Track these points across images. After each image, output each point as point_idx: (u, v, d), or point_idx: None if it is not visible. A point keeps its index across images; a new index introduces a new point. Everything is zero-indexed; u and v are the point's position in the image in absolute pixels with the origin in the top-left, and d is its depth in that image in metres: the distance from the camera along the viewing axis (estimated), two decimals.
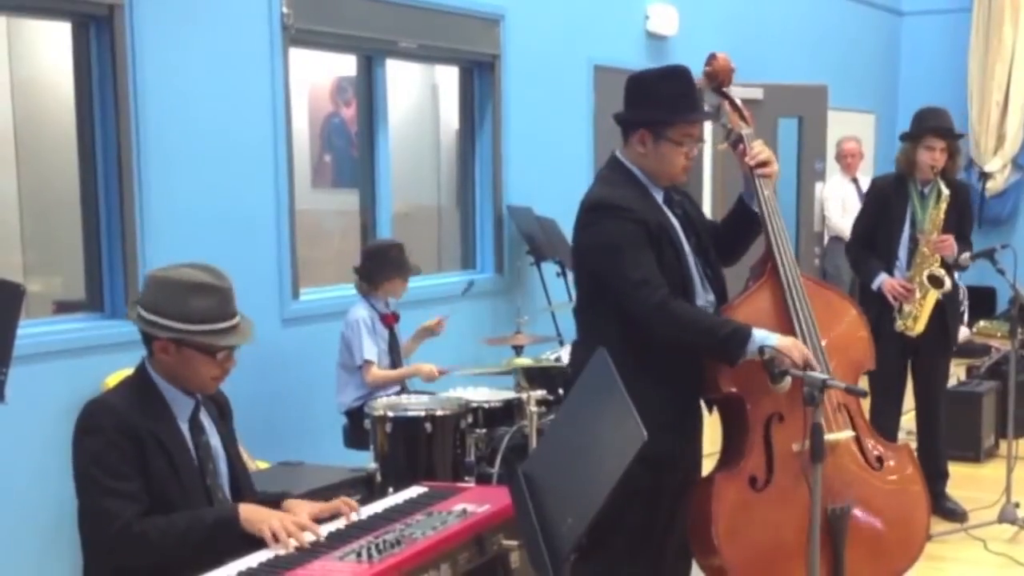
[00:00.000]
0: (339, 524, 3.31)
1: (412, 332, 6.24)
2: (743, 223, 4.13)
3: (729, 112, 4.16)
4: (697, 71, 4.17)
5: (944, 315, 6.09)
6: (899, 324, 6.02)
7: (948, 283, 5.95)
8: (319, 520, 3.30)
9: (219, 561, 3.00)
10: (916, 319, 5.99)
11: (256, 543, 3.13)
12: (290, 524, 3.16)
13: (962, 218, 6.12)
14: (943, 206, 5.92)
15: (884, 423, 6.11)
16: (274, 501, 3.41)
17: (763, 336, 3.73)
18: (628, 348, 3.67)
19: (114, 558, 3.13)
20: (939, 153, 5.95)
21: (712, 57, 4.17)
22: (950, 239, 5.95)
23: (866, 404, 5.92)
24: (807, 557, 3.74)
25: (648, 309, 3.73)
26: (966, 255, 6.00)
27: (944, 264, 5.96)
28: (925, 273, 5.93)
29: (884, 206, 6.15)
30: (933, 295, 5.95)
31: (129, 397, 3.26)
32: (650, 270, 3.76)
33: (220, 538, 3.14)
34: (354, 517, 3.35)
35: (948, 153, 5.99)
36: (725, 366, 3.83)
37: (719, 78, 4.17)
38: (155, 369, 3.31)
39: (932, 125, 6.00)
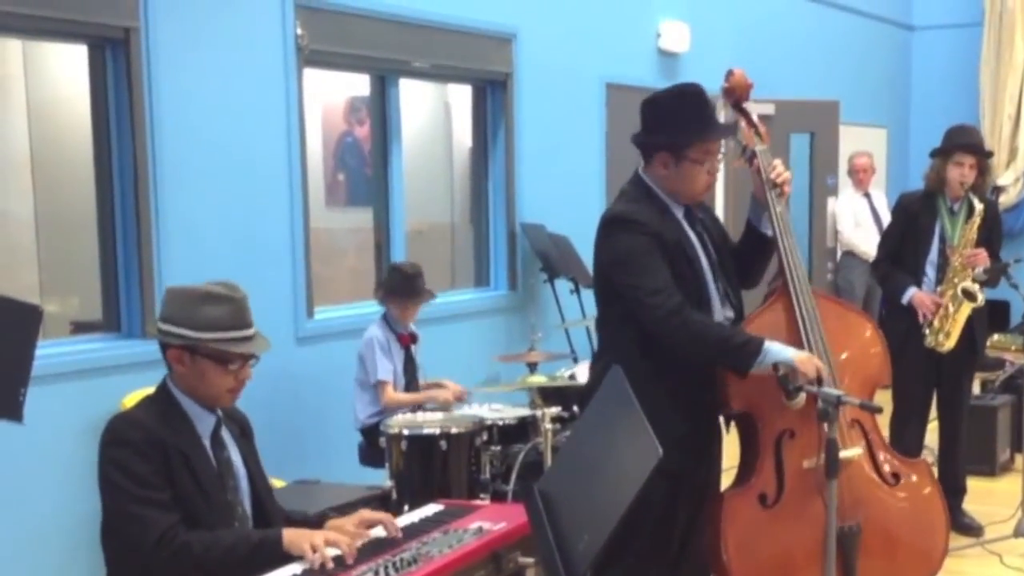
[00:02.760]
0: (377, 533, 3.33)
1: (432, 367, 6.25)
2: (755, 246, 4.16)
3: (744, 128, 4.18)
4: (709, 88, 4.20)
5: (972, 329, 6.07)
6: (929, 340, 6.00)
7: (981, 297, 5.95)
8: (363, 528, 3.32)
9: None
10: (948, 335, 5.97)
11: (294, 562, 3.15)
12: (333, 536, 3.18)
13: (992, 235, 6.11)
14: (977, 221, 5.91)
15: (908, 439, 6.11)
16: (316, 522, 3.43)
17: (778, 349, 3.75)
18: (646, 363, 3.70)
19: (151, 566, 3.14)
20: (968, 169, 5.95)
21: (730, 73, 4.20)
22: (983, 252, 5.95)
23: (887, 419, 5.98)
24: (820, 573, 3.74)
25: (662, 315, 3.75)
26: (979, 269, 5.99)
27: (974, 279, 5.96)
28: (960, 287, 5.91)
29: (912, 223, 6.14)
30: (966, 309, 5.92)
31: (153, 413, 3.29)
32: (664, 280, 3.79)
33: (262, 558, 3.15)
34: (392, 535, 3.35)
35: (978, 170, 5.99)
36: (735, 384, 3.85)
37: (736, 94, 4.19)
38: (176, 385, 3.34)
39: (962, 142, 6.01)
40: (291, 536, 3.20)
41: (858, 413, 3.99)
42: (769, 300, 4.06)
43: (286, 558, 3.16)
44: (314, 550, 3.12)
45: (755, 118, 4.20)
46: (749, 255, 4.17)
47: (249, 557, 3.16)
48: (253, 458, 3.52)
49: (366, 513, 3.44)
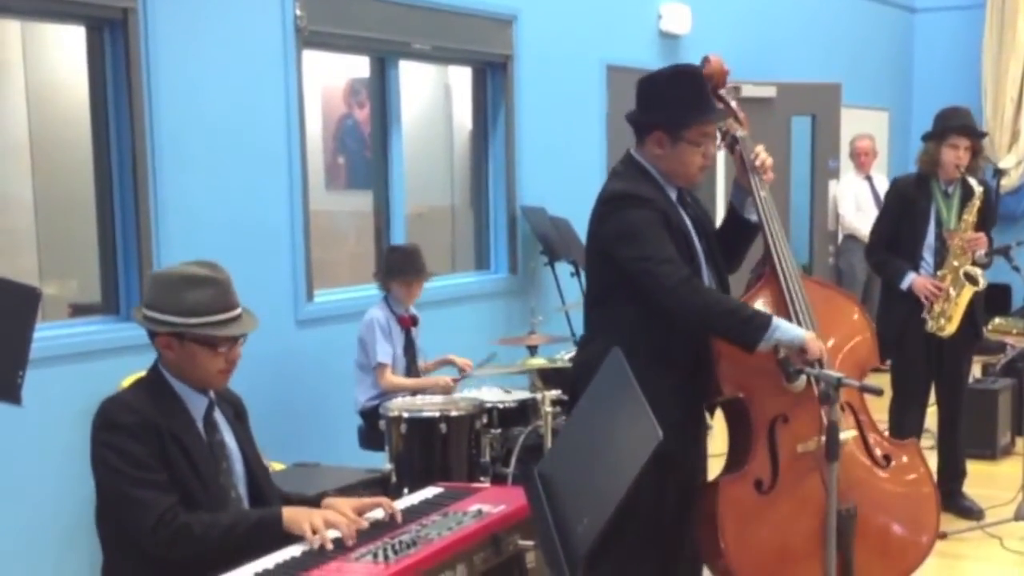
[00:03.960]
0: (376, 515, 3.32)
1: (432, 350, 6.25)
2: (736, 232, 4.15)
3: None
4: None
5: (973, 312, 6.05)
6: (931, 325, 5.97)
7: (983, 280, 5.92)
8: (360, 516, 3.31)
9: (238, 562, 3.01)
10: (950, 319, 5.94)
11: (294, 544, 3.14)
12: (333, 517, 3.18)
13: (985, 217, 6.08)
14: (977, 204, 5.89)
15: (908, 422, 6.10)
16: (313, 501, 3.43)
17: (788, 326, 3.75)
18: (641, 345, 3.68)
19: (150, 548, 3.13)
20: (963, 152, 5.92)
21: (706, 60, 4.18)
22: (983, 236, 5.94)
23: (886, 403, 5.97)
24: (817, 557, 3.74)
25: (672, 284, 3.72)
26: (981, 252, 5.98)
27: (974, 262, 5.94)
28: (961, 271, 5.89)
29: (907, 207, 6.09)
30: (968, 293, 5.89)
31: (144, 396, 3.28)
32: (673, 252, 3.78)
33: (261, 537, 3.15)
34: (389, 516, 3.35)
35: (971, 152, 5.97)
36: (728, 369, 3.84)
37: (714, 80, 4.17)
38: (167, 368, 3.33)
39: (956, 124, 5.97)
40: (290, 515, 3.20)
41: (849, 395, 3.99)
42: (757, 285, 4.05)
43: (286, 537, 3.16)
44: (314, 531, 3.12)
45: (733, 104, 4.19)
46: (731, 240, 4.17)
47: (248, 536, 3.15)
48: (248, 440, 3.51)
49: (366, 500, 3.43)
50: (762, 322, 3.73)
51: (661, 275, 3.74)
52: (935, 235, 6.04)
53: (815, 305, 4.00)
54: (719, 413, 4.20)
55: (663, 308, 3.78)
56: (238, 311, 3.34)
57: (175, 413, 3.28)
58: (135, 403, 3.24)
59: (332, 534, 3.13)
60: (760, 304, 3.98)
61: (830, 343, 3.99)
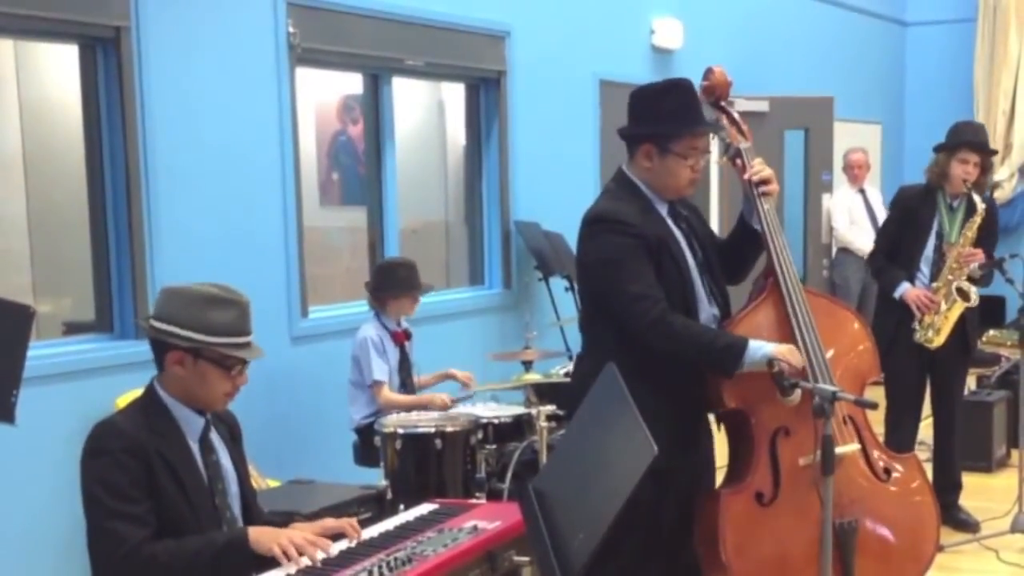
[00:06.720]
0: (348, 543, 3.31)
1: (427, 366, 6.24)
2: (746, 241, 4.13)
3: (727, 126, 4.17)
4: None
5: (964, 326, 6.06)
6: (919, 336, 5.98)
7: (975, 296, 5.92)
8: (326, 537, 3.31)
9: None
10: (938, 332, 5.94)
11: (264, 566, 3.13)
12: (299, 539, 3.17)
13: (989, 235, 6.08)
14: (978, 220, 5.89)
15: (902, 434, 6.10)
16: (282, 523, 3.42)
17: (758, 346, 3.75)
18: (631, 361, 3.65)
19: None
20: (972, 167, 5.93)
21: (709, 71, 4.18)
22: (980, 253, 5.93)
23: (882, 415, 5.97)
24: (817, 571, 3.74)
25: (645, 324, 3.74)
26: (975, 265, 5.97)
27: (968, 277, 5.94)
28: (954, 285, 5.90)
29: (911, 216, 6.10)
30: (959, 307, 5.90)
31: (137, 418, 3.25)
32: (648, 284, 3.77)
33: (230, 561, 3.13)
34: (355, 540, 3.35)
35: (980, 168, 5.98)
36: (728, 382, 3.83)
37: (716, 92, 4.17)
38: (165, 388, 3.30)
39: (969, 139, 5.99)
40: (256, 535, 3.19)
41: (851, 409, 3.98)
42: (759, 298, 4.02)
43: (256, 558, 3.14)
44: (284, 552, 3.11)
45: (736, 116, 4.18)
46: (740, 249, 4.15)
47: (216, 559, 3.14)
48: (241, 461, 3.50)
49: (329, 522, 3.44)
50: (736, 351, 3.74)
51: (635, 312, 3.75)
52: (934, 247, 6.04)
53: (817, 317, 3.98)
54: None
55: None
56: (252, 336, 3.34)
57: (168, 435, 3.25)
58: (126, 426, 3.21)
59: (304, 561, 3.13)
60: (761, 318, 3.97)
61: (830, 354, 3.98)
